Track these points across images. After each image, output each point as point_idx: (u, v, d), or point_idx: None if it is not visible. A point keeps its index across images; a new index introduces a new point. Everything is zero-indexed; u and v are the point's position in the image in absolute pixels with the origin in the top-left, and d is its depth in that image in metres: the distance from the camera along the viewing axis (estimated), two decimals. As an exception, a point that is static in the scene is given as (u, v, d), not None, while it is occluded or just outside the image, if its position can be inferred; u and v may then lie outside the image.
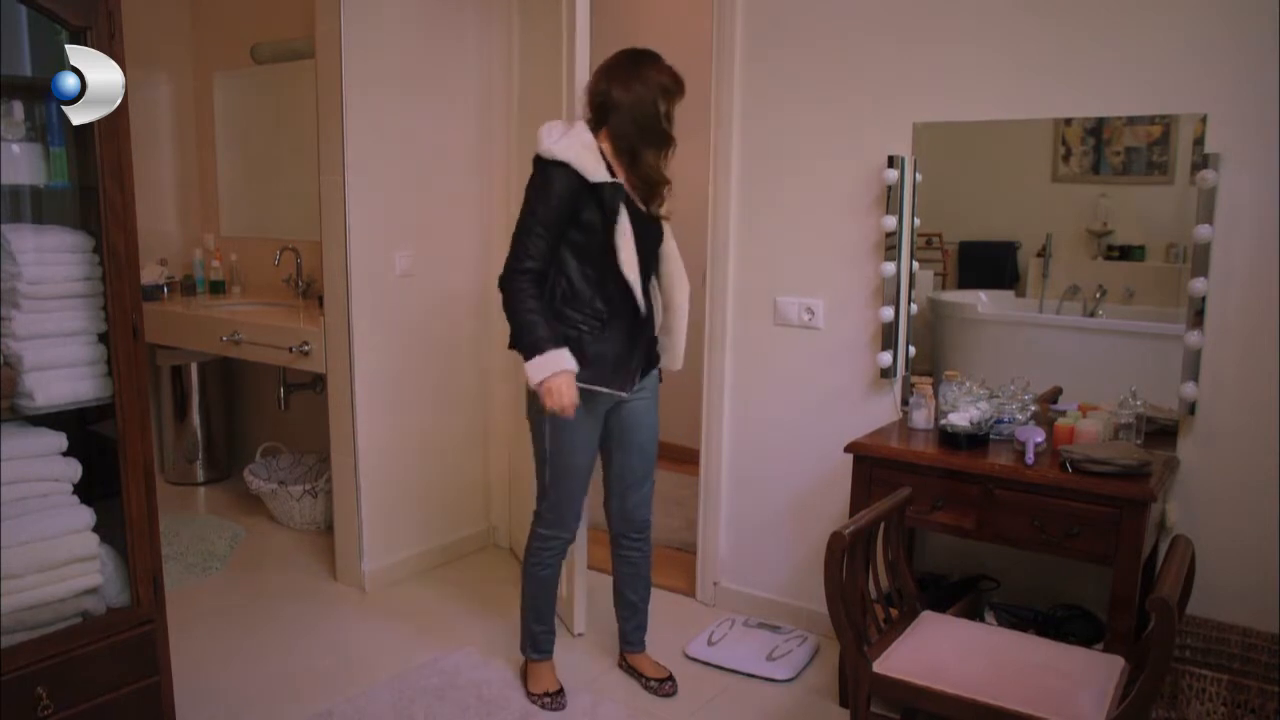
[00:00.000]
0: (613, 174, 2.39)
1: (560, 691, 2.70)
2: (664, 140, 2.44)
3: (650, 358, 2.60)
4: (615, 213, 2.37)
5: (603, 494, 2.73)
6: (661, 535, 3.90)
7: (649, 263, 2.51)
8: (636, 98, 2.38)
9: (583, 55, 2.74)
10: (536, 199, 2.36)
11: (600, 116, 2.43)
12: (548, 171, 2.35)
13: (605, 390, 2.44)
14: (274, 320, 3.83)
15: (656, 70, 2.42)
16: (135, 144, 2.18)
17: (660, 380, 2.70)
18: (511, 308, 2.37)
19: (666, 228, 2.58)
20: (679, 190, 3.13)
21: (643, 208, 2.46)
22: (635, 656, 2.85)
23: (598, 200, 2.36)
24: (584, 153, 2.34)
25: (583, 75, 2.67)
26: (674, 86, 2.44)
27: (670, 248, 2.59)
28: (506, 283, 2.38)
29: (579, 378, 2.38)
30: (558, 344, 2.34)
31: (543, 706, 2.66)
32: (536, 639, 2.73)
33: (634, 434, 2.62)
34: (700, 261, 3.19)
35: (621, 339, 2.44)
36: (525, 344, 2.34)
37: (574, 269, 2.40)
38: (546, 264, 2.38)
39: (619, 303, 2.43)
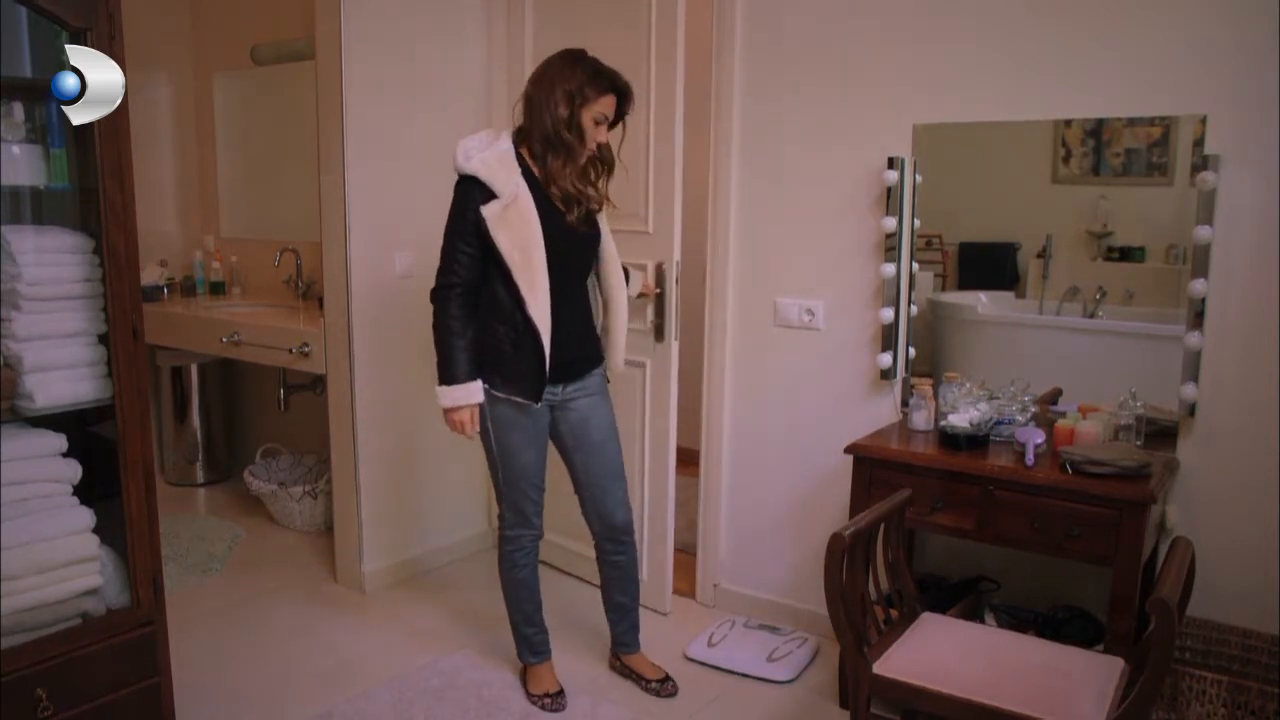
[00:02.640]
0: (534, 182, 2.40)
1: (560, 692, 2.70)
2: (565, 149, 2.37)
3: (588, 358, 2.59)
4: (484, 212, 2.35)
5: (579, 503, 2.70)
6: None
7: (572, 270, 2.50)
8: (541, 100, 2.36)
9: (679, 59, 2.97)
10: (453, 216, 2.40)
11: (524, 118, 2.43)
12: (460, 187, 2.38)
13: (524, 401, 2.46)
14: (274, 321, 3.83)
15: (567, 71, 2.35)
16: (135, 145, 2.18)
17: (608, 380, 2.69)
18: (436, 327, 2.43)
19: (605, 231, 2.58)
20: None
21: (565, 213, 2.43)
22: (631, 657, 2.84)
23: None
24: (495, 165, 2.34)
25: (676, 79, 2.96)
26: (584, 89, 2.34)
27: (609, 250, 2.59)
28: (434, 299, 2.44)
29: (500, 389, 2.44)
30: (471, 376, 2.41)
31: (543, 708, 2.66)
32: (530, 642, 2.73)
33: (586, 435, 2.60)
34: (700, 262, 3.19)
35: (540, 350, 2.40)
36: (442, 370, 2.41)
37: (498, 280, 2.40)
38: (474, 277, 2.40)
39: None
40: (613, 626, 2.84)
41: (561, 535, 3.44)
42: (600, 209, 2.54)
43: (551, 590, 3.10)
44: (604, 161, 2.51)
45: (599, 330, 2.64)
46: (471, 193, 2.35)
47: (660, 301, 3.07)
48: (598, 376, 2.63)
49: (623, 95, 2.42)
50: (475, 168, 2.33)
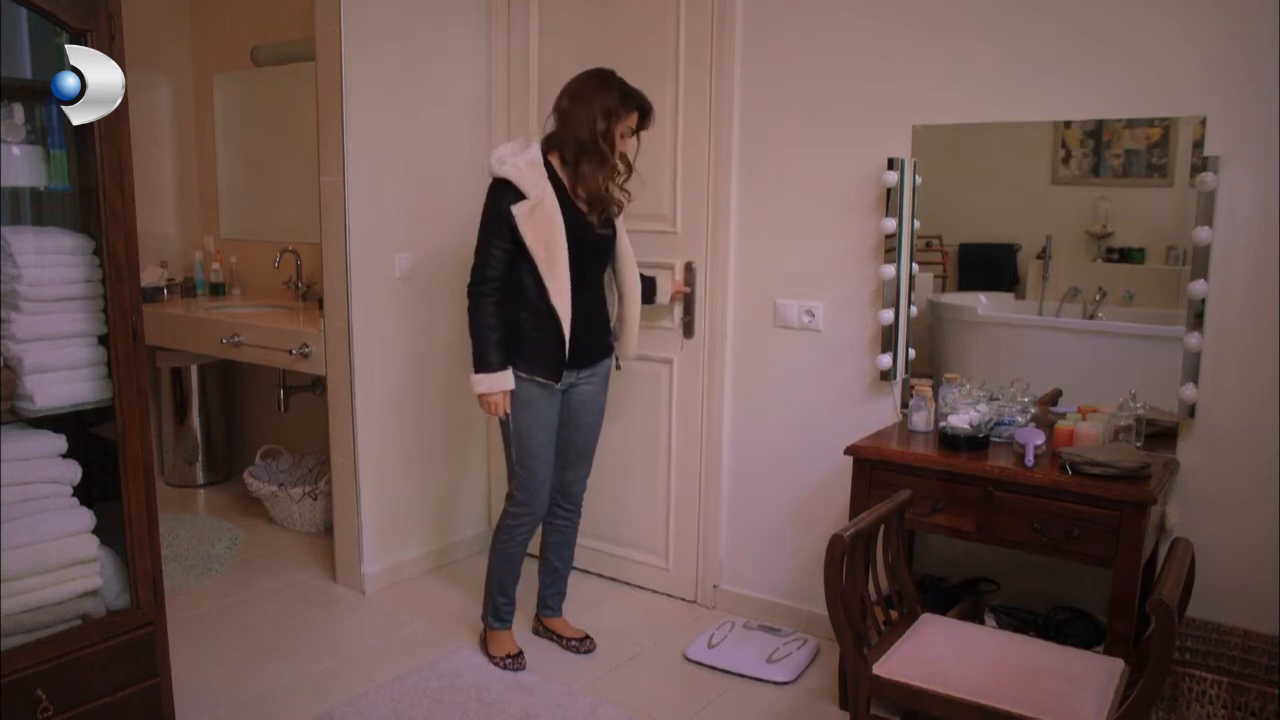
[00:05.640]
0: (559, 185, 2.64)
1: (520, 654, 2.90)
2: (599, 157, 2.63)
3: (602, 347, 2.85)
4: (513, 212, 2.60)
5: None
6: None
7: (589, 264, 2.74)
8: (577, 114, 2.63)
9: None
10: (487, 215, 2.65)
11: (557, 128, 2.68)
12: (494, 189, 2.64)
13: (545, 381, 2.69)
14: (274, 322, 3.83)
15: (603, 91, 2.63)
16: (135, 146, 2.18)
17: (619, 368, 2.96)
18: (472, 321, 2.67)
19: (621, 232, 2.82)
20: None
21: (585, 214, 2.68)
22: (553, 620, 3.07)
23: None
24: (526, 169, 2.60)
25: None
26: (618, 108, 2.63)
27: (624, 247, 2.83)
28: (471, 294, 2.67)
29: (526, 370, 2.68)
30: (503, 364, 2.65)
31: (505, 668, 2.86)
32: (499, 610, 2.93)
33: (581, 416, 2.87)
34: (701, 262, 3.19)
35: (560, 335, 2.66)
36: (477, 358, 2.67)
37: (525, 272, 2.64)
38: (506, 270, 2.65)
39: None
40: (543, 589, 3.07)
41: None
42: (620, 212, 2.80)
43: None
44: (624, 168, 2.78)
45: (614, 321, 2.88)
46: (504, 194, 2.60)
47: (689, 299, 3.20)
48: (606, 366, 2.89)
49: (645, 113, 2.71)
50: (508, 172, 2.59)
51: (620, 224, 2.82)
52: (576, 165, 2.65)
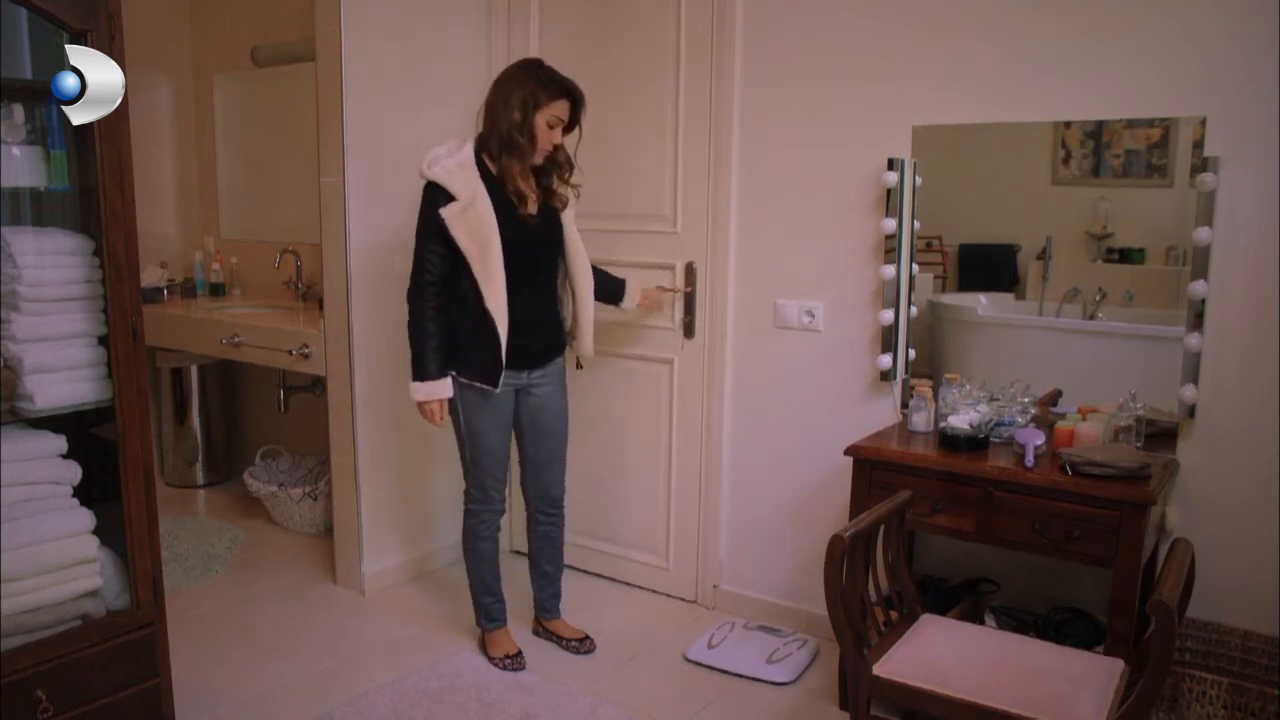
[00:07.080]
0: (492, 184, 2.59)
1: (519, 654, 2.89)
2: (518, 149, 2.57)
3: (551, 347, 2.80)
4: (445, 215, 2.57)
5: (519, 475, 2.95)
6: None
7: (532, 264, 2.68)
8: (495, 106, 2.59)
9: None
10: (420, 220, 2.63)
11: (484, 126, 2.65)
12: (425, 193, 2.61)
13: (484, 386, 2.65)
14: (274, 323, 3.83)
15: (521, 80, 2.58)
16: (135, 146, 2.18)
17: (580, 367, 2.97)
18: (411, 326, 2.64)
19: (569, 227, 2.75)
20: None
21: (522, 211, 2.62)
22: (552, 621, 3.05)
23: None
24: (455, 171, 2.57)
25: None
26: (537, 95, 2.55)
27: (573, 244, 2.77)
28: (410, 299, 2.64)
29: (466, 375, 2.65)
30: (441, 372, 2.63)
31: (504, 668, 2.85)
32: (488, 610, 2.92)
33: (543, 419, 2.83)
34: (701, 263, 3.19)
35: (499, 339, 2.61)
36: (415, 366, 2.63)
37: (463, 275, 2.60)
38: (445, 275, 2.61)
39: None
40: (537, 593, 3.05)
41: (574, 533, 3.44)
42: (564, 207, 2.73)
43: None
44: (563, 164, 2.71)
45: (569, 320, 2.84)
46: (434, 197, 2.58)
47: (689, 299, 3.19)
48: (559, 365, 2.85)
49: (575, 100, 2.63)
50: (436, 174, 2.57)
51: (568, 219, 2.75)
52: (500, 159, 2.59)
